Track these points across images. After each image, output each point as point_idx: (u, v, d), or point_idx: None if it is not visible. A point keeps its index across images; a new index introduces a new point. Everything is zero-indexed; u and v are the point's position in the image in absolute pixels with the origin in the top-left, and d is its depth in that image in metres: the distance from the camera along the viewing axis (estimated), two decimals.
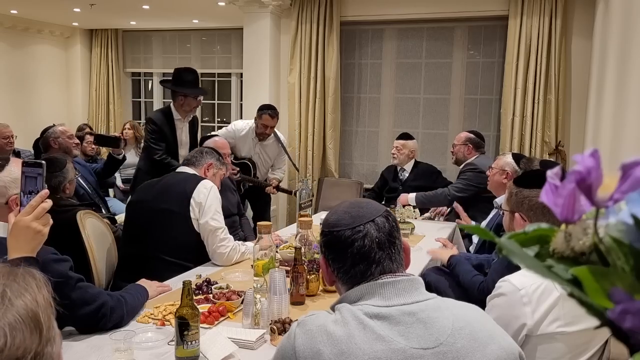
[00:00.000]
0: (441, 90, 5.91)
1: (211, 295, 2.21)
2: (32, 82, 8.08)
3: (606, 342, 1.73)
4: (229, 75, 8.13)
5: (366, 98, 6.17)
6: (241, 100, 7.58)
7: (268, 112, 4.56)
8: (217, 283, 2.35)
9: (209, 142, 3.82)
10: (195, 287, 2.28)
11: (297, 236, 2.73)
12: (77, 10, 7.08)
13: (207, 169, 2.97)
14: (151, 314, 2.04)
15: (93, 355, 1.72)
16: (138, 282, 2.28)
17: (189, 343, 1.69)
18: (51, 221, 1.52)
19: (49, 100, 8.33)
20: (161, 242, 2.69)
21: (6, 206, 1.65)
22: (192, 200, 2.70)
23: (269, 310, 1.99)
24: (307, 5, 5.91)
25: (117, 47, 8.56)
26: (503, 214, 2.19)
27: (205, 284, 2.33)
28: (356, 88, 6.19)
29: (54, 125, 4.27)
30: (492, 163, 4.22)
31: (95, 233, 2.74)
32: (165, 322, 1.98)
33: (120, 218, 3.86)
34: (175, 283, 2.40)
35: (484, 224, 3.45)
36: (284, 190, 4.90)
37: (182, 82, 4.26)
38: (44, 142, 4.09)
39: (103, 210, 3.87)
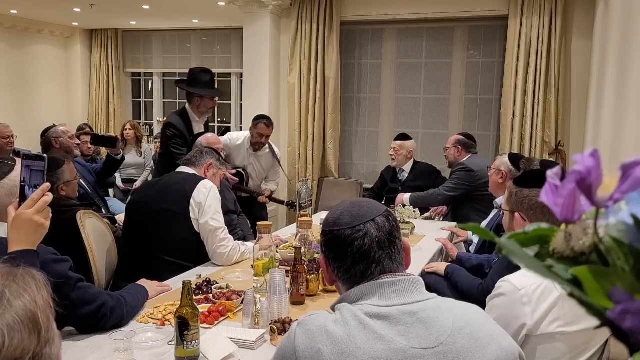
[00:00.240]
0: (441, 90, 5.91)
1: (211, 295, 2.21)
2: (32, 82, 8.09)
3: (606, 342, 1.73)
4: (229, 75, 8.13)
5: (366, 98, 6.17)
6: (241, 100, 7.58)
7: (263, 121, 4.54)
8: (217, 283, 2.35)
9: (200, 139, 3.82)
10: (195, 287, 2.28)
11: (297, 236, 2.73)
12: (77, 10, 7.08)
13: (207, 169, 2.97)
14: (151, 314, 2.04)
15: (93, 355, 1.72)
16: (138, 282, 2.28)
17: (189, 343, 1.69)
18: (51, 214, 1.52)
19: (49, 100, 8.34)
20: (161, 242, 2.69)
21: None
22: (192, 201, 2.70)
23: (269, 310, 1.99)
24: (307, 5, 5.91)
25: (117, 47, 8.56)
26: (503, 214, 2.18)
27: (205, 284, 2.33)
28: (356, 88, 6.19)
29: (54, 125, 4.27)
30: (485, 162, 4.26)
31: (95, 233, 2.73)
32: (165, 322, 1.98)
33: (120, 218, 3.86)
34: (175, 283, 2.40)
35: (484, 224, 3.46)
36: (276, 200, 4.87)
37: (198, 83, 4.19)
38: (46, 142, 4.09)
39: (103, 210, 3.87)
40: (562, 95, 5.24)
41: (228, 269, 2.69)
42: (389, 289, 1.20)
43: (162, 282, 2.39)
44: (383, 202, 4.47)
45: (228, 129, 7.85)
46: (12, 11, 7.33)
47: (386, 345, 1.11)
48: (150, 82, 8.77)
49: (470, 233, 3.56)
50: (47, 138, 4.08)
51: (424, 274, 2.86)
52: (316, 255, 2.56)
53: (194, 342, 1.70)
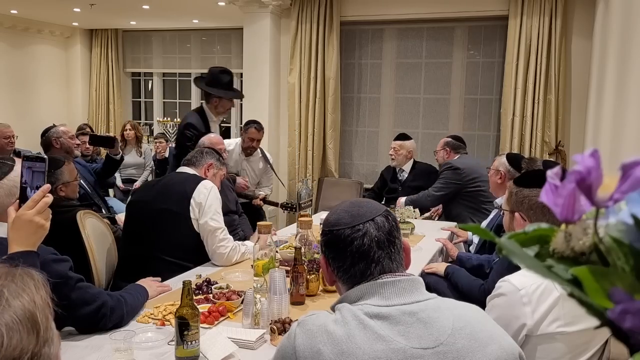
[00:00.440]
0: (441, 90, 5.91)
1: (211, 295, 2.21)
2: (32, 82, 8.09)
3: (606, 342, 1.73)
4: None
5: (366, 98, 6.17)
6: (241, 100, 7.58)
7: (254, 125, 4.56)
8: (217, 283, 2.35)
9: (203, 139, 3.82)
10: (195, 287, 2.28)
11: (297, 236, 2.73)
12: (77, 10, 7.08)
13: (208, 169, 2.97)
14: (151, 314, 2.04)
15: (93, 355, 1.71)
16: (138, 282, 2.28)
17: (189, 343, 1.69)
18: (51, 216, 1.53)
19: (49, 100, 8.34)
20: (161, 242, 2.69)
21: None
22: (192, 201, 2.70)
23: (269, 310, 1.99)
24: (307, 5, 5.91)
25: (117, 47, 8.56)
26: (503, 214, 2.18)
27: (205, 284, 2.33)
28: (356, 88, 6.19)
29: (54, 125, 4.27)
30: (474, 162, 4.31)
31: (95, 233, 2.73)
32: (165, 322, 1.98)
33: (121, 218, 3.86)
34: (175, 283, 2.40)
35: (484, 224, 3.46)
36: (270, 203, 4.88)
37: (218, 83, 4.18)
38: (46, 142, 4.09)
39: (103, 210, 3.87)
40: (562, 95, 5.24)
41: (228, 269, 2.69)
42: (389, 289, 1.20)
43: (162, 282, 2.39)
44: (383, 202, 4.48)
45: (228, 129, 7.85)
46: (12, 11, 7.33)
47: (386, 345, 1.11)
48: (150, 82, 8.77)
49: (470, 233, 3.56)
50: (47, 138, 4.08)
51: (424, 274, 2.86)
52: (316, 255, 2.56)
53: (194, 342, 1.70)
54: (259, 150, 4.69)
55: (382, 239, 1.25)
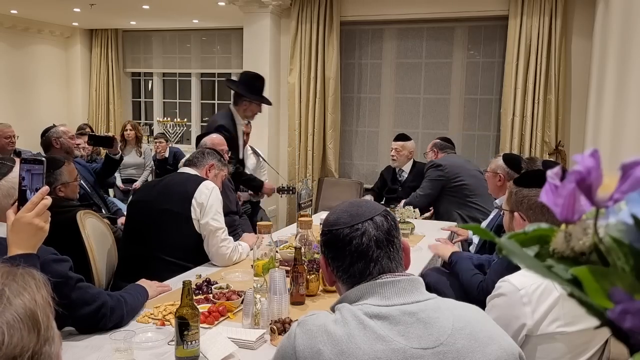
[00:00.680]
0: (441, 90, 5.91)
1: (211, 295, 2.21)
2: (32, 82, 8.09)
3: (606, 342, 1.73)
4: (229, 75, 8.12)
5: (366, 98, 6.18)
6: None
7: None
8: (217, 283, 2.35)
9: (205, 140, 3.82)
10: (195, 287, 2.28)
11: (297, 236, 2.73)
12: (77, 10, 7.09)
13: (209, 170, 2.97)
14: (151, 314, 2.04)
15: (93, 355, 1.71)
16: (138, 282, 2.28)
17: (189, 343, 1.69)
18: (49, 218, 1.52)
19: (49, 100, 8.34)
20: (162, 242, 2.69)
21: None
22: (193, 201, 2.70)
23: (269, 310, 1.99)
24: (307, 5, 5.91)
25: (117, 47, 8.56)
26: (503, 213, 2.19)
27: (205, 284, 2.33)
28: (356, 88, 6.19)
29: (54, 125, 4.27)
30: (459, 161, 4.36)
31: (95, 233, 2.73)
32: (165, 322, 1.98)
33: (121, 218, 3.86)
34: (175, 283, 2.40)
35: (484, 224, 3.46)
36: (279, 190, 4.88)
37: (253, 88, 4.22)
38: (46, 142, 4.08)
39: (103, 210, 3.87)
40: (562, 95, 5.25)
41: (228, 269, 2.69)
42: (389, 289, 1.20)
43: (162, 282, 2.39)
44: (383, 203, 4.49)
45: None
46: (12, 11, 7.33)
47: (386, 345, 1.11)
48: (150, 82, 8.77)
49: (470, 232, 3.56)
50: (47, 138, 4.07)
51: (424, 274, 2.86)
52: (316, 255, 2.56)
53: (194, 342, 1.70)
54: (249, 146, 4.73)
55: (381, 238, 1.25)
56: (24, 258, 1.40)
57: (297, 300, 2.24)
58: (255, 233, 2.71)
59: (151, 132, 8.42)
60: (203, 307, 2.05)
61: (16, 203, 1.50)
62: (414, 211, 3.86)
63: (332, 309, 1.25)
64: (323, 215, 3.00)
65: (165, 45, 8.40)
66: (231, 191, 3.65)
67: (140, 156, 6.36)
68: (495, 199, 3.57)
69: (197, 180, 2.79)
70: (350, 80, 6.18)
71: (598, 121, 4.34)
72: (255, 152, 4.79)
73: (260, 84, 4.28)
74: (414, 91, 6.01)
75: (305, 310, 2.17)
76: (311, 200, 3.61)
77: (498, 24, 5.57)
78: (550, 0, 5.14)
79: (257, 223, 2.38)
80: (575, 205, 0.50)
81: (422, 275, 2.82)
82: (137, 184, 6.09)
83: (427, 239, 3.47)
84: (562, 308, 1.60)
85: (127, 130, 6.31)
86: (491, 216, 3.51)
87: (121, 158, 4.45)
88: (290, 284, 2.25)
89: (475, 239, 3.51)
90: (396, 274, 1.25)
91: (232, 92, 4.30)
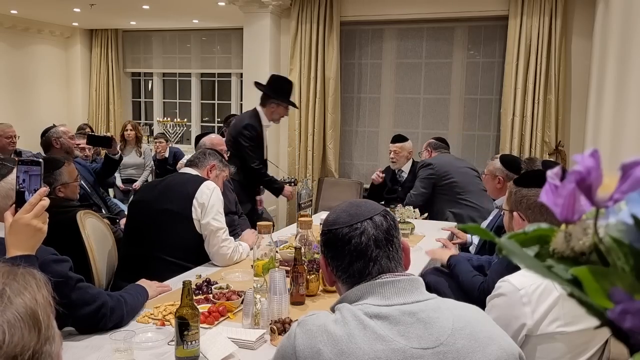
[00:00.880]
0: (441, 90, 5.91)
1: (211, 295, 2.21)
2: (32, 82, 8.09)
3: (606, 342, 1.73)
4: (229, 75, 8.13)
5: (366, 98, 6.18)
6: (241, 100, 7.58)
7: (235, 117, 4.77)
8: (217, 283, 2.35)
9: (204, 140, 3.83)
10: (195, 287, 2.28)
11: (297, 236, 2.73)
12: (77, 10, 7.09)
13: (210, 170, 2.97)
14: (151, 314, 2.04)
15: (93, 355, 1.71)
16: (138, 282, 2.27)
17: (189, 343, 1.69)
18: (48, 219, 1.52)
19: (49, 100, 8.34)
20: (162, 242, 2.69)
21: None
22: (194, 201, 2.70)
23: (269, 310, 1.99)
24: (307, 5, 5.91)
25: (117, 47, 8.56)
26: (503, 213, 2.19)
27: (205, 284, 2.33)
28: (356, 88, 6.19)
29: (54, 125, 4.27)
30: (451, 160, 4.40)
31: (95, 233, 2.73)
32: (165, 322, 1.98)
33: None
34: (175, 283, 2.40)
35: (484, 224, 3.46)
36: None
37: (280, 90, 4.25)
38: (46, 142, 4.08)
39: (103, 210, 3.87)
40: (562, 95, 5.25)
41: (228, 268, 2.69)
42: (389, 289, 1.20)
43: (162, 282, 2.39)
44: (382, 203, 4.49)
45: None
46: (12, 11, 7.33)
47: (386, 345, 1.11)
48: (150, 82, 8.77)
49: (469, 235, 3.56)
50: (47, 138, 4.07)
51: (424, 274, 2.86)
52: (316, 255, 2.56)
53: (194, 342, 1.70)
54: None
55: (380, 237, 1.26)
56: (22, 259, 1.40)
57: (297, 300, 2.24)
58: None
59: (151, 132, 8.42)
60: (203, 307, 2.05)
61: (14, 205, 1.50)
62: (414, 211, 3.86)
63: (332, 309, 1.25)
64: (323, 215, 3.00)
65: (165, 45, 8.40)
66: (230, 191, 3.65)
67: (140, 156, 6.36)
68: (494, 200, 3.57)
69: (198, 181, 2.79)
70: (350, 80, 6.18)
71: (598, 121, 4.34)
72: None
73: (288, 87, 4.34)
74: (414, 91, 6.01)
75: (305, 310, 2.17)
76: (311, 200, 3.62)
77: (498, 24, 5.57)
78: (550, 0, 5.14)
79: (257, 223, 2.38)
80: (575, 205, 0.50)
81: (421, 275, 2.82)
82: (137, 184, 6.09)
83: (427, 239, 3.47)
84: (562, 308, 1.60)
85: (127, 130, 6.31)
86: (491, 216, 3.51)
87: (120, 158, 4.45)
88: (290, 284, 2.25)
89: (475, 240, 3.51)
90: (396, 273, 1.25)
91: (261, 93, 4.33)
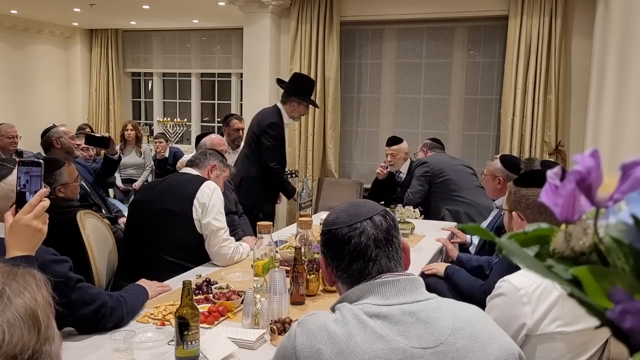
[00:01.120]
0: (441, 90, 5.91)
1: (211, 295, 2.21)
2: (32, 82, 8.09)
3: (606, 342, 1.73)
4: (229, 75, 8.13)
5: (366, 98, 6.17)
6: (241, 100, 7.59)
7: (234, 116, 4.86)
8: (217, 283, 2.35)
9: (205, 140, 3.83)
10: (195, 287, 2.28)
11: (297, 236, 2.73)
12: (77, 10, 7.09)
13: (211, 171, 2.97)
14: (151, 314, 2.04)
15: (93, 355, 1.71)
16: (138, 282, 2.27)
17: (189, 343, 1.69)
18: (48, 220, 1.52)
19: (49, 100, 8.34)
20: (162, 242, 2.69)
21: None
22: (195, 201, 2.70)
23: (269, 310, 1.99)
24: (307, 5, 5.91)
25: (117, 47, 8.56)
26: (504, 214, 2.19)
27: (205, 284, 2.33)
28: (356, 88, 6.19)
29: (54, 125, 4.27)
30: (445, 159, 4.41)
31: (96, 233, 2.73)
32: (165, 322, 1.98)
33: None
34: (175, 283, 2.40)
35: (484, 224, 3.46)
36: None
37: (302, 89, 4.25)
38: (47, 142, 4.08)
39: (103, 211, 3.87)
40: (562, 95, 5.25)
41: (228, 268, 2.69)
42: (389, 289, 1.20)
43: (162, 282, 2.39)
44: (382, 203, 4.49)
45: None
46: (12, 11, 7.33)
47: (386, 345, 1.11)
48: (150, 82, 8.77)
49: (469, 236, 3.56)
50: (48, 138, 4.07)
51: (424, 275, 2.86)
52: (316, 255, 2.56)
53: (194, 342, 1.70)
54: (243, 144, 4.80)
55: (380, 237, 1.26)
56: (22, 260, 1.40)
57: (297, 300, 2.24)
58: (255, 233, 2.71)
59: (151, 132, 8.42)
60: (203, 307, 2.05)
61: (14, 205, 1.50)
62: (414, 211, 3.86)
63: (332, 309, 1.25)
64: (323, 215, 3.00)
65: (165, 45, 8.40)
66: (230, 191, 3.65)
67: (140, 156, 6.36)
68: (494, 200, 3.58)
69: (199, 181, 2.79)
70: (350, 80, 6.18)
71: (598, 121, 4.34)
72: None
73: (310, 86, 4.35)
74: (414, 91, 6.01)
75: (305, 310, 2.17)
76: (311, 200, 3.61)
77: (498, 24, 5.57)
78: (550, 0, 5.14)
79: (257, 223, 2.38)
80: (575, 205, 0.50)
81: (421, 275, 2.82)
82: (137, 184, 6.09)
83: (427, 239, 3.47)
84: (561, 308, 1.60)
85: (127, 130, 6.31)
86: (491, 216, 3.51)
87: (120, 158, 4.45)
88: (290, 284, 2.25)
89: (475, 240, 3.51)
90: (396, 273, 1.25)
91: (282, 90, 4.34)
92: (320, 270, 2.07)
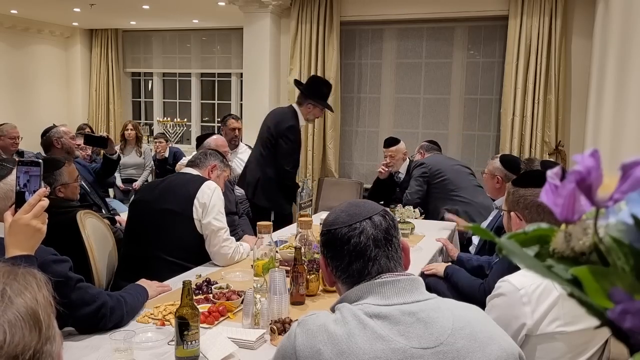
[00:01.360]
0: (441, 90, 5.91)
1: (211, 295, 2.21)
2: (32, 82, 8.09)
3: (606, 342, 1.73)
4: (229, 75, 8.13)
5: (366, 98, 6.18)
6: (241, 100, 7.59)
7: (231, 116, 4.89)
8: (217, 283, 2.35)
9: (208, 141, 3.83)
10: (195, 287, 2.28)
11: (297, 236, 2.73)
12: (77, 10, 7.09)
13: (211, 171, 2.97)
14: (151, 314, 2.04)
15: (93, 355, 1.71)
16: (138, 282, 2.27)
17: (189, 343, 1.69)
18: (47, 220, 1.53)
19: (49, 100, 8.34)
20: (162, 242, 2.69)
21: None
22: (195, 201, 2.70)
23: (269, 310, 1.99)
24: (307, 5, 5.91)
25: (117, 47, 8.56)
26: (503, 214, 2.19)
27: (205, 284, 2.33)
28: (356, 88, 6.19)
29: (54, 125, 4.27)
30: (442, 159, 4.43)
31: (96, 233, 2.73)
32: (165, 322, 1.98)
33: (123, 218, 3.86)
34: (175, 283, 2.40)
35: (484, 224, 3.46)
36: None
37: (319, 92, 4.27)
38: (47, 142, 4.08)
39: (103, 210, 3.87)
40: (562, 95, 5.25)
41: (228, 268, 2.69)
42: (389, 289, 1.20)
43: (162, 282, 2.39)
44: (382, 203, 4.49)
45: None
46: (12, 11, 7.33)
47: (386, 345, 1.11)
48: (150, 82, 8.77)
49: (470, 233, 3.57)
50: (48, 138, 4.07)
51: (424, 275, 2.86)
52: (316, 255, 2.56)
53: (194, 342, 1.70)
54: (243, 144, 4.89)
55: (379, 237, 1.26)
56: (22, 259, 1.40)
57: (297, 300, 2.24)
58: (255, 233, 2.71)
59: (151, 132, 8.42)
60: (203, 307, 2.05)
61: (14, 205, 1.50)
62: (414, 211, 3.86)
63: (332, 309, 1.25)
64: (323, 215, 3.00)
65: (165, 45, 8.40)
66: (230, 192, 3.66)
67: (140, 156, 6.36)
68: (494, 200, 3.58)
69: (199, 181, 2.79)
70: (350, 80, 6.18)
71: (598, 121, 4.34)
72: (250, 147, 4.83)
73: (327, 90, 4.36)
74: (414, 91, 6.01)
75: (305, 310, 2.17)
76: (311, 200, 3.61)
77: (498, 24, 5.57)
78: (550, 0, 5.14)
79: (257, 223, 2.38)
80: (575, 205, 0.50)
81: (421, 275, 2.82)
82: (137, 184, 6.09)
83: (427, 239, 3.47)
84: (561, 308, 1.61)
85: (128, 130, 6.31)
86: (491, 217, 3.51)
87: (119, 158, 4.46)
88: (290, 284, 2.25)
89: (475, 240, 3.51)
90: (396, 273, 1.25)
91: (299, 91, 4.36)
92: (320, 270, 2.07)
